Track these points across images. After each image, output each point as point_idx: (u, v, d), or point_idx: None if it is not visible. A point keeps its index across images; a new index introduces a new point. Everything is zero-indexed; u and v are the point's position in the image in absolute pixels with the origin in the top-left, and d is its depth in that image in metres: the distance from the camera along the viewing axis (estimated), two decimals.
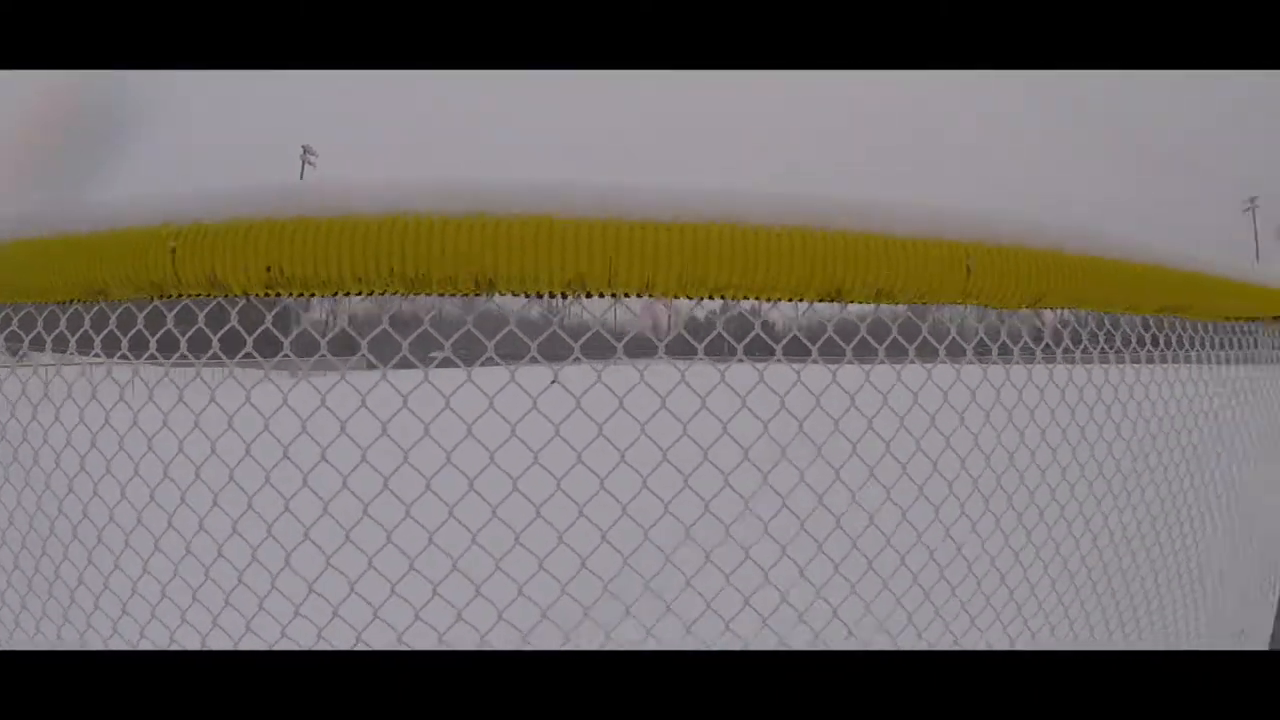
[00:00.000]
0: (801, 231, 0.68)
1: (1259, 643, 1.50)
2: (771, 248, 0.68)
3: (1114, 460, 1.15)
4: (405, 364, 0.90)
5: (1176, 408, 1.18)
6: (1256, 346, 1.20)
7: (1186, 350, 1.14)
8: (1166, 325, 1.05)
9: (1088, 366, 1.07)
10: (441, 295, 0.71)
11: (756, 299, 0.70)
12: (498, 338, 0.87)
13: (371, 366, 0.98)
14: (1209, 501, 1.32)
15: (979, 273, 0.72)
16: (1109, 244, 0.77)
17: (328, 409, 0.83)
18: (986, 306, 0.75)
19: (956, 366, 1.03)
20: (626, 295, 0.70)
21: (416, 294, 0.72)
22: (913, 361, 1.02)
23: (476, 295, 0.71)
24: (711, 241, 0.67)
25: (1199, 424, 1.22)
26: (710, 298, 0.70)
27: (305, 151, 39.89)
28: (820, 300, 0.71)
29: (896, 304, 0.73)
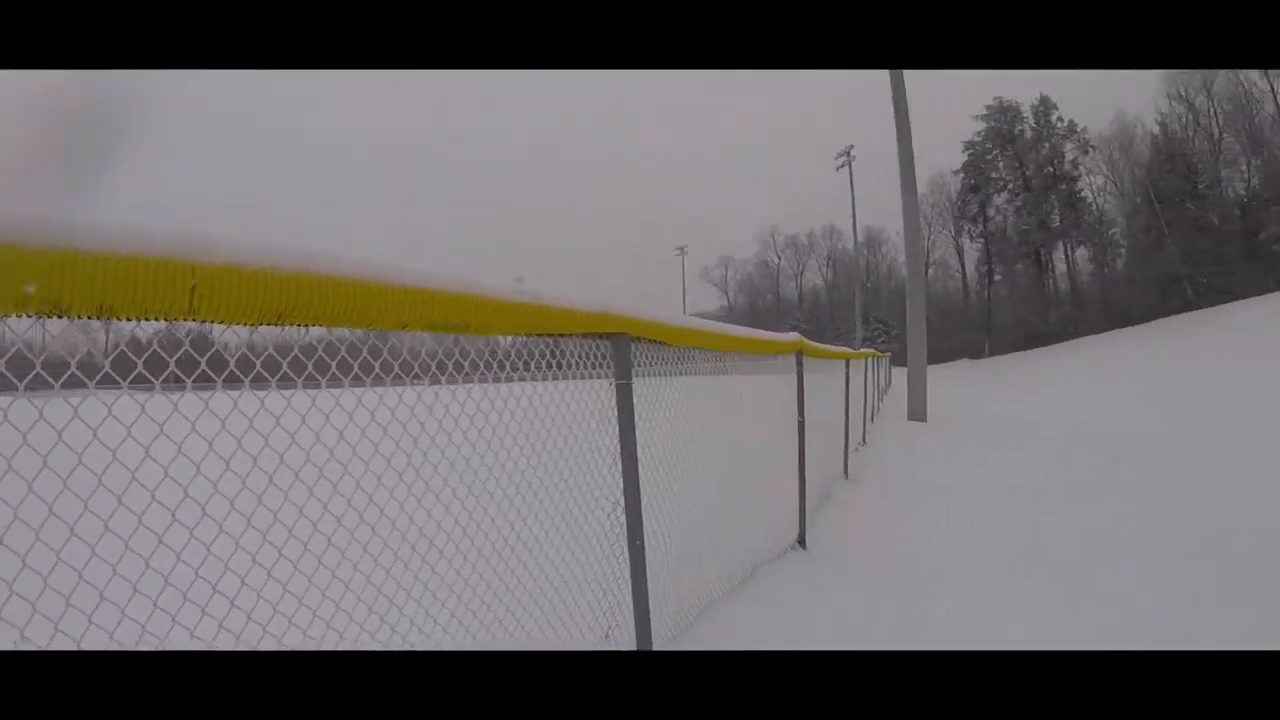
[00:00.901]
0: (12, 249, 0.75)
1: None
2: None
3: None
4: None
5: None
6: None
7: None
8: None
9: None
10: None
11: None
12: None
13: None
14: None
15: (204, 292, 0.78)
16: (367, 270, 0.83)
17: None
18: (226, 324, 0.80)
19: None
20: None
21: None
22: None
23: None
24: None
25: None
26: None
27: None
28: (42, 314, 0.77)
29: (123, 320, 0.79)
